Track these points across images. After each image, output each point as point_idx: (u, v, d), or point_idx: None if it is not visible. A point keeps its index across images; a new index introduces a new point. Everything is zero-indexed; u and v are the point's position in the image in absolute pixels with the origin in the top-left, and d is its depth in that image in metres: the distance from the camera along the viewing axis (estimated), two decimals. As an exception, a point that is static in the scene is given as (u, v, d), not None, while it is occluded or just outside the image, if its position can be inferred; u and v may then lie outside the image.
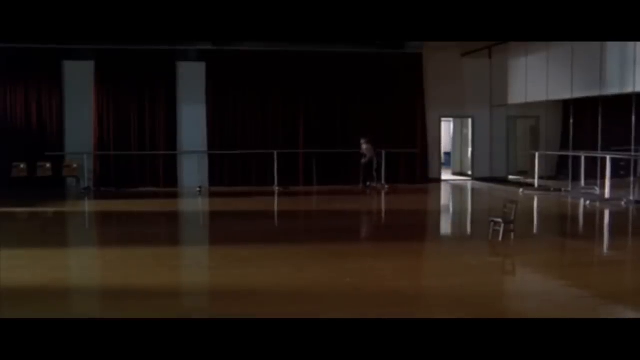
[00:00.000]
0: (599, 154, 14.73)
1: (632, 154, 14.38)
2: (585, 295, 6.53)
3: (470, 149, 20.31)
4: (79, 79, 17.52)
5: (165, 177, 17.91)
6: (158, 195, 16.49)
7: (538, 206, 14.29)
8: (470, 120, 20.12)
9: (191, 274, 7.90)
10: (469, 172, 20.36)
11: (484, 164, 19.77)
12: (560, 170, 18.40)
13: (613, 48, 14.13)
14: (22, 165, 16.97)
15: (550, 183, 16.98)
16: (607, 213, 12.83)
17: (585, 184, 15.14)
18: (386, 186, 17.58)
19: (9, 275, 6.92)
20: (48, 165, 17.16)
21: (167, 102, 17.90)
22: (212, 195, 16.73)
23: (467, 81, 19.35)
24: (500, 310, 5.86)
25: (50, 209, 14.15)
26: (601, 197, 14.06)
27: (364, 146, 17.05)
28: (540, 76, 16.82)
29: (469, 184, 19.26)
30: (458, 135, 21.68)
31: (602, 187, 14.26)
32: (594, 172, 15.16)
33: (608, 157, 14.12)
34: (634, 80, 13.36)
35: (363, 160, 17.10)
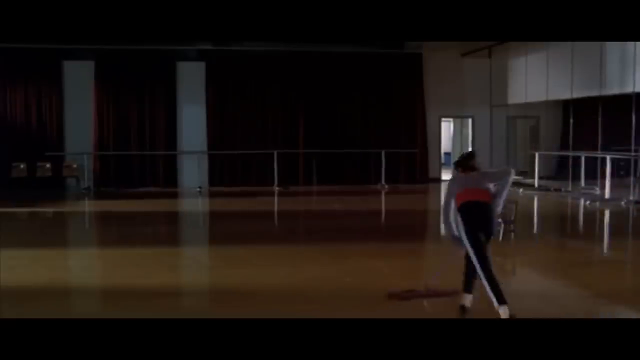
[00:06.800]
0: (598, 154, 14.72)
1: (632, 153, 14.37)
2: (585, 295, 6.53)
3: (470, 149, 20.29)
4: (79, 79, 17.51)
5: (165, 177, 17.90)
6: (158, 195, 16.48)
7: (538, 206, 14.29)
8: (470, 120, 20.12)
9: (191, 274, 7.90)
10: (469, 172, 20.31)
11: (484, 164, 19.68)
12: (560, 170, 18.39)
13: (613, 48, 14.13)
14: (22, 165, 16.95)
15: (550, 183, 16.97)
16: (607, 213, 12.83)
17: (585, 184, 15.13)
18: (386, 186, 17.61)
19: (9, 275, 6.92)
20: (48, 165, 17.14)
21: (167, 102, 17.89)
22: (212, 195, 16.73)
23: (467, 81, 19.33)
24: (500, 310, 5.85)
25: (50, 209, 14.14)
26: (601, 197, 14.06)
27: None
28: (540, 76, 16.81)
29: (469, 184, 19.22)
30: (458, 135, 21.67)
31: (602, 187, 14.25)
32: (594, 172, 15.15)
33: (608, 157, 14.11)
34: (634, 80, 13.36)
35: None
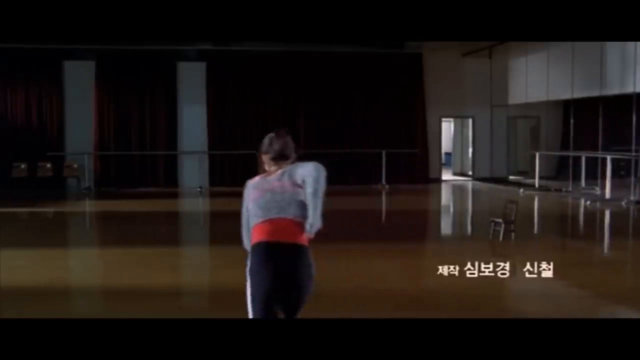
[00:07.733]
0: (599, 154, 14.72)
1: (633, 154, 14.37)
2: (585, 295, 6.54)
3: (470, 149, 20.30)
4: (80, 79, 17.52)
5: (165, 177, 17.90)
6: (158, 196, 16.48)
7: (538, 206, 14.28)
8: (470, 121, 20.11)
9: (191, 274, 7.90)
10: (470, 173, 20.34)
11: (485, 164, 19.76)
12: (561, 170, 18.39)
13: (613, 48, 14.12)
14: (22, 166, 16.96)
15: (550, 183, 16.97)
16: (607, 213, 12.83)
17: (586, 184, 15.13)
18: (387, 186, 17.60)
19: (10, 275, 6.92)
20: (48, 165, 17.15)
21: (167, 102, 17.90)
22: (213, 195, 16.73)
23: (467, 81, 19.33)
24: (500, 310, 5.86)
25: (50, 209, 14.15)
26: (602, 197, 14.05)
27: None
28: (540, 76, 16.81)
29: (470, 184, 19.25)
30: (458, 136, 21.67)
31: (603, 187, 14.25)
32: (595, 172, 15.15)
33: (608, 157, 14.11)
34: (634, 80, 13.36)
35: None
